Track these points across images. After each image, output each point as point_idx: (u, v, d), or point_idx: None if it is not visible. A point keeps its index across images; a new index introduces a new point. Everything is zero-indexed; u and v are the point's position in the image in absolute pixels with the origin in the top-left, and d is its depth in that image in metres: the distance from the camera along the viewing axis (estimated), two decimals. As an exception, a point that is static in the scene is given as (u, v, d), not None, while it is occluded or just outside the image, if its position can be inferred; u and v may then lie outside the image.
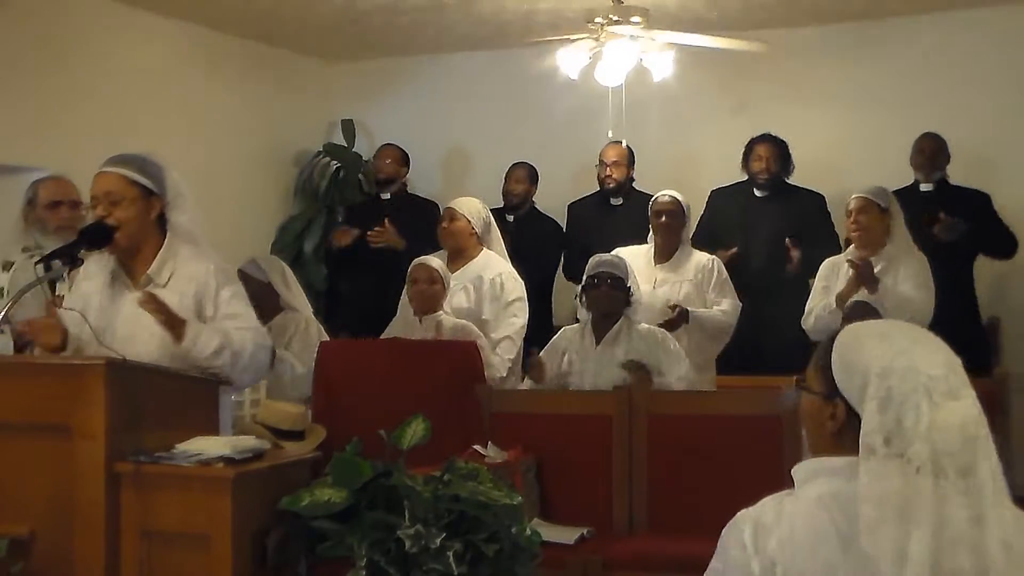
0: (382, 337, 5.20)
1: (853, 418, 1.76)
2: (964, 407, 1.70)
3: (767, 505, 1.81)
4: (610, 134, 6.08)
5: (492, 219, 5.57)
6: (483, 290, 5.30)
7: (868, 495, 1.67)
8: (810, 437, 1.86)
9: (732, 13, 6.35)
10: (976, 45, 6.36)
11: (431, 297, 5.06)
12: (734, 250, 5.92)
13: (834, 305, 4.94)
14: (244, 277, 5.12)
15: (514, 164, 6.60)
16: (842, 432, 1.79)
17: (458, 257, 5.40)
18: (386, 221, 6.26)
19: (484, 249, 5.45)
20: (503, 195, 6.50)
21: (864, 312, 4.48)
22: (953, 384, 1.71)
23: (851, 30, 6.63)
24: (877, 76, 6.54)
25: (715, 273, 5.45)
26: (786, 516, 1.76)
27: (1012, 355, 5.98)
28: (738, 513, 1.84)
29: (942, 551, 1.64)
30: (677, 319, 5.20)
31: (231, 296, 3.46)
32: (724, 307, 5.39)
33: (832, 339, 1.85)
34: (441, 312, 5.09)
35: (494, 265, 5.39)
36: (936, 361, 1.73)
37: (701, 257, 5.51)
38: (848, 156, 6.44)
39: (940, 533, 1.65)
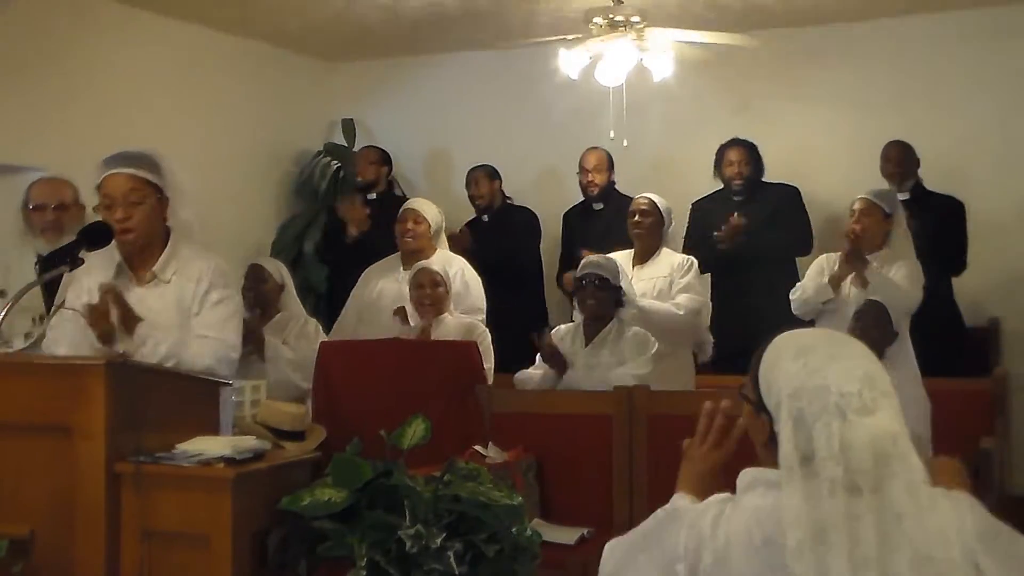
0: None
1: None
2: (877, 422, 1.68)
3: (708, 513, 1.80)
4: (612, 135, 6.08)
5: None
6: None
7: (789, 520, 1.66)
8: (754, 442, 1.87)
9: (731, 13, 6.35)
10: (968, 48, 6.36)
11: (438, 300, 5.13)
12: (734, 216, 5.80)
13: (826, 283, 4.99)
14: (264, 274, 5.21)
15: (470, 169, 6.66)
16: (770, 443, 1.79)
17: (416, 257, 5.50)
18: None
19: (438, 249, 5.60)
20: (470, 200, 6.53)
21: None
22: (867, 399, 1.69)
23: (850, 30, 6.63)
24: (878, 77, 6.53)
25: (683, 270, 5.37)
26: (722, 528, 1.76)
27: (1012, 355, 5.97)
28: (681, 505, 1.87)
29: (857, 573, 1.62)
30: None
31: (217, 301, 3.46)
32: (678, 300, 5.28)
33: (764, 350, 1.84)
34: (447, 314, 5.13)
35: (452, 261, 5.52)
36: (851, 376, 1.71)
37: (678, 257, 5.46)
38: (847, 156, 6.42)
39: (854, 554, 1.62)
